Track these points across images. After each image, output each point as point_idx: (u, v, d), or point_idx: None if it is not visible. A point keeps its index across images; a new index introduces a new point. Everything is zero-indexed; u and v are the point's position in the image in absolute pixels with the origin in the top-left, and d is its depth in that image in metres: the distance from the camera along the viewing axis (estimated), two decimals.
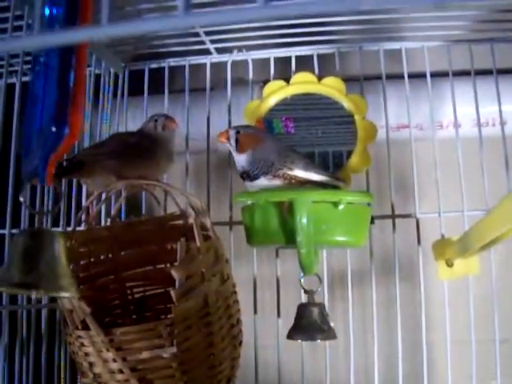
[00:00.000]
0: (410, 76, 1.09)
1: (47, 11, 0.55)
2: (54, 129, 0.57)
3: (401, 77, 1.09)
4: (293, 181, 0.91)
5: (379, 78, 1.09)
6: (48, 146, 0.60)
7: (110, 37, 0.32)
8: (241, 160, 0.95)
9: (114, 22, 0.34)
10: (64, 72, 0.57)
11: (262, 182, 0.93)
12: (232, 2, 0.86)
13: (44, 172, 0.63)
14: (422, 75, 1.08)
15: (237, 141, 0.95)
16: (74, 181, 1.08)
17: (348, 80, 1.09)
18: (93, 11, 0.54)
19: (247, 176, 0.94)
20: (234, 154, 0.97)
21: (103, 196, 0.95)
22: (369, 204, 0.88)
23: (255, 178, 0.93)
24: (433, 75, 1.08)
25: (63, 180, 1.04)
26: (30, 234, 0.67)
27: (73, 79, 0.58)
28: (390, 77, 1.10)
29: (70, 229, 0.99)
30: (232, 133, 0.96)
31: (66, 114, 0.57)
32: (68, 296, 0.69)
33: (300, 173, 0.92)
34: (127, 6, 1.00)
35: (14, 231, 1.01)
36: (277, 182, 0.92)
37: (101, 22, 0.34)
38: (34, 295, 0.66)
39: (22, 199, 0.68)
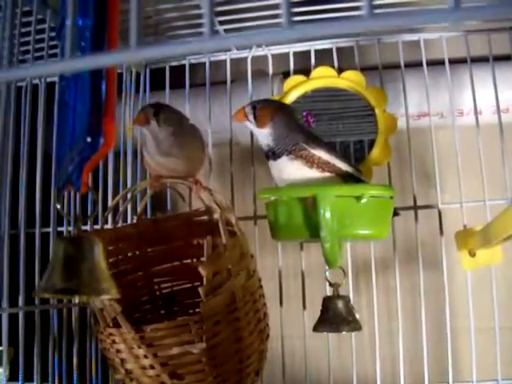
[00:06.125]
0: (429, 63, 1.08)
1: (76, 23, 0.57)
2: (89, 139, 0.58)
3: (420, 64, 1.08)
4: (314, 164, 0.90)
5: (398, 66, 1.09)
6: (83, 155, 0.61)
7: (140, 59, 0.34)
8: (264, 136, 0.92)
9: (143, 41, 0.36)
10: (96, 82, 0.59)
11: (284, 161, 0.90)
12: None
13: (79, 180, 0.65)
14: (442, 62, 1.08)
15: (255, 116, 0.92)
16: (101, 180, 1.10)
17: (367, 69, 1.09)
18: (121, 22, 0.55)
19: (272, 153, 0.91)
20: (256, 131, 0.93)
21: (129, 195, 0.96)
22: (391, 197, 0.89)
23: (278, 156, 0.91)
24: (452, 62, 1.08)
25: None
26: (70, 240, 0.70)
27: (105, 89, 0.59)
28: (409, 65, 1.10)
29: (97, 227, 1.01)
30: (248, 109, 0.93)
31: (100, 124, 0.58)
32: (109, 298, 0.71)
33: (324, 155, 0.90)
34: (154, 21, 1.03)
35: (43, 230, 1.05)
36: (298, 162, 0.90)
37: (130, 44, 0.36)
38: (76, 300, 0.69)
39: (58, 206, 0.70)
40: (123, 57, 0.35)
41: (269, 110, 0.93)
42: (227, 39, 0.34)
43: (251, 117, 0.93)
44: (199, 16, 1.02)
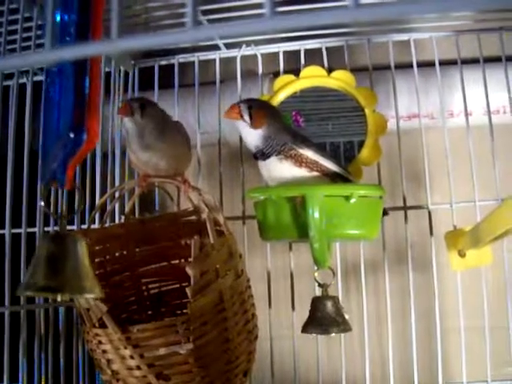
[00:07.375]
0: (420, 65, 1.08)
1: (59, 18, 0.56)
2: (72, 135, 0.58)
3: (410, 66, 1.08)
4: (303, 164, 0.89)
5: (389, 67, 1.09)
6: (66, 151, 0.61)
7: (121, 50, 0.33)
8: (255, 137, 0.91)
9: (125, 33, 0.35)
10: (80, 78, 0.58)
11: (273, 161, 0.90)
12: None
13: (63, 176, 0.65)
14: (432, 63, 1.08)
15: (251, 116, 0.91)
16: (88, 179, 1.09)
17: (357, 70, 1.09)
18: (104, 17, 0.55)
19: (261, 154, 0.91)
20: (247, 130, 0.91)
21: (117, 194, 0.95)
22: (380, 197, 0.88)
23: (268, 156, 0.90)
24: (442, 63, 1.08)
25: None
26: (53, 238, 0.69)
27: (88, 85, 0.58)
28: (399, 66, 1.10)
29: (84, 227, 1.00)
30: (244, 107, 0.91)
31: (83, 120, 0.58)
32: (92, 297, 0.71)
33: (312, 154, 0.89)
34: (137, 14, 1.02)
35: (29, 230, 1.03)
36: (287, 162, 0.89)
37: (111, 35, 0.35)
38: (59, 298, 0.68)
39: (42, 203, 0.69)
40: (104, 47, 0.35)
41: (266, 111, 0.92)
42: (209, 29, 0.33)
43: (247, 116, 0.91)
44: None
